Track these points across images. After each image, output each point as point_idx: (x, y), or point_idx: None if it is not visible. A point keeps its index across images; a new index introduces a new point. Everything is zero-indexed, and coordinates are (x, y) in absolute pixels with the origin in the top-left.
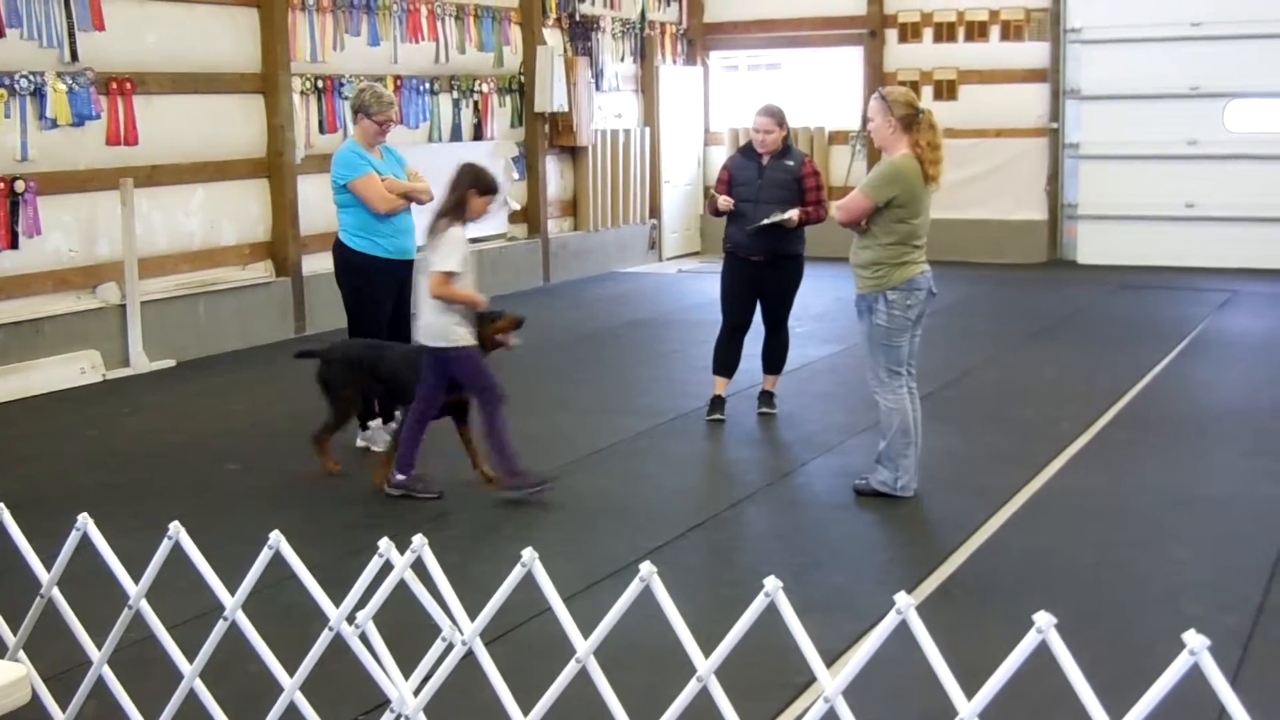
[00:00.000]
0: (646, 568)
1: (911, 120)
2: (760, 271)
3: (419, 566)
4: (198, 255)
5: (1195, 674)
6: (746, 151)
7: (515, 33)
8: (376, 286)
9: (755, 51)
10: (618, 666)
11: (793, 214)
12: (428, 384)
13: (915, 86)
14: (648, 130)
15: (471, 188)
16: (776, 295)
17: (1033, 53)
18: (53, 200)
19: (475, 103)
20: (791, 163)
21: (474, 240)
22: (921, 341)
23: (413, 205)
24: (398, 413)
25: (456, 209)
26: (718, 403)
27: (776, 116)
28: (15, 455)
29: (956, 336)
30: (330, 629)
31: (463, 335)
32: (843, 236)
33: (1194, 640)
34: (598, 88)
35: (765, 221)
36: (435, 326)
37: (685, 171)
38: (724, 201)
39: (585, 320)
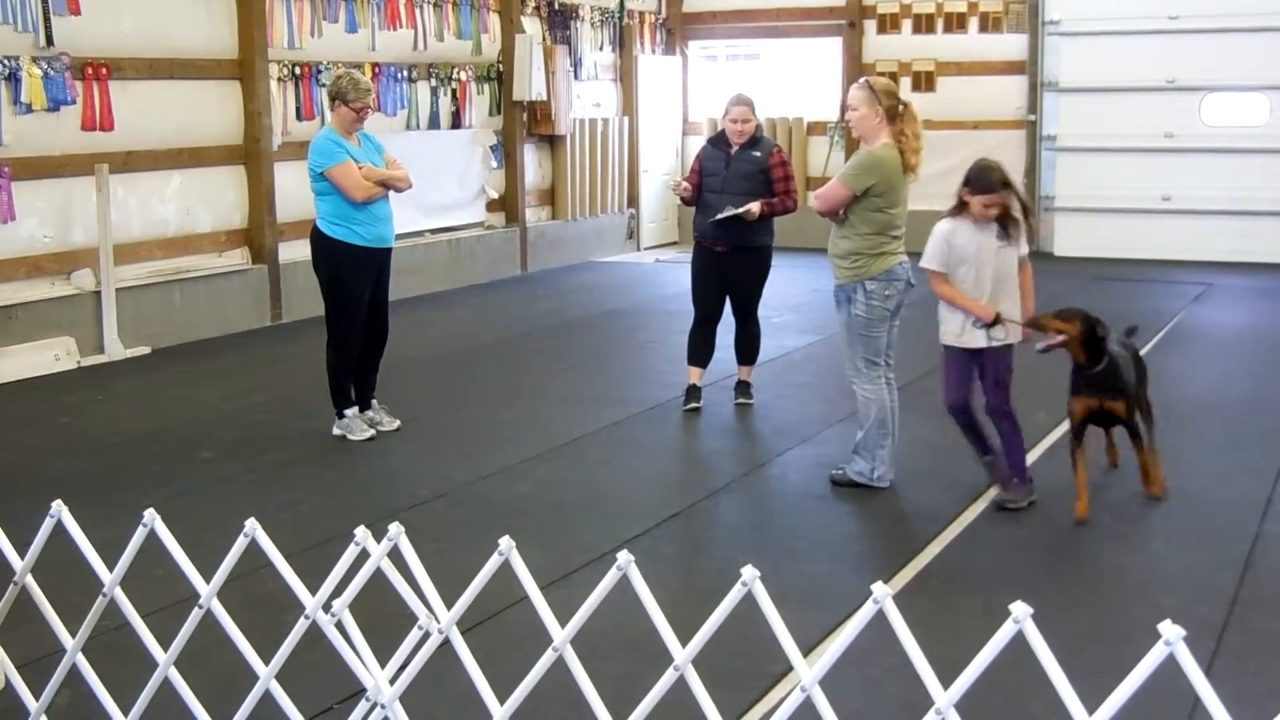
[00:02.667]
0: (624, 556)
1: (895, 111)
2: (725, 262)
3: (395, 555)
4: (173, 242)
5: (1170, 664)
6: (716, 141)
7: (494, 21)
8: (354, 274)
9: (734, 41)
10: (595, 655)
11: (752, 207)
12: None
13: (894, 77)
14: (626, 119)
15: (966, 184)
16: (742, 286)
17: (1011, 45)
18: (27, 186)
19: (453, 90)
20: (759, 153)
21: (451, 229)
22: (899, 332)
23: (390, 193)
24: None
25: (958, 205)
26: (693, 392)
27: (752, 105)
28: None
29: (934, 328)
30: (306, 617)
31: (968, 337)
32: (820, 227)
33: (1169, 631)
34: (576, 76)
35: (722, 215)
36: (941, 323)
37: (664, 161)
38: (681, 186)
39: (562, 309)
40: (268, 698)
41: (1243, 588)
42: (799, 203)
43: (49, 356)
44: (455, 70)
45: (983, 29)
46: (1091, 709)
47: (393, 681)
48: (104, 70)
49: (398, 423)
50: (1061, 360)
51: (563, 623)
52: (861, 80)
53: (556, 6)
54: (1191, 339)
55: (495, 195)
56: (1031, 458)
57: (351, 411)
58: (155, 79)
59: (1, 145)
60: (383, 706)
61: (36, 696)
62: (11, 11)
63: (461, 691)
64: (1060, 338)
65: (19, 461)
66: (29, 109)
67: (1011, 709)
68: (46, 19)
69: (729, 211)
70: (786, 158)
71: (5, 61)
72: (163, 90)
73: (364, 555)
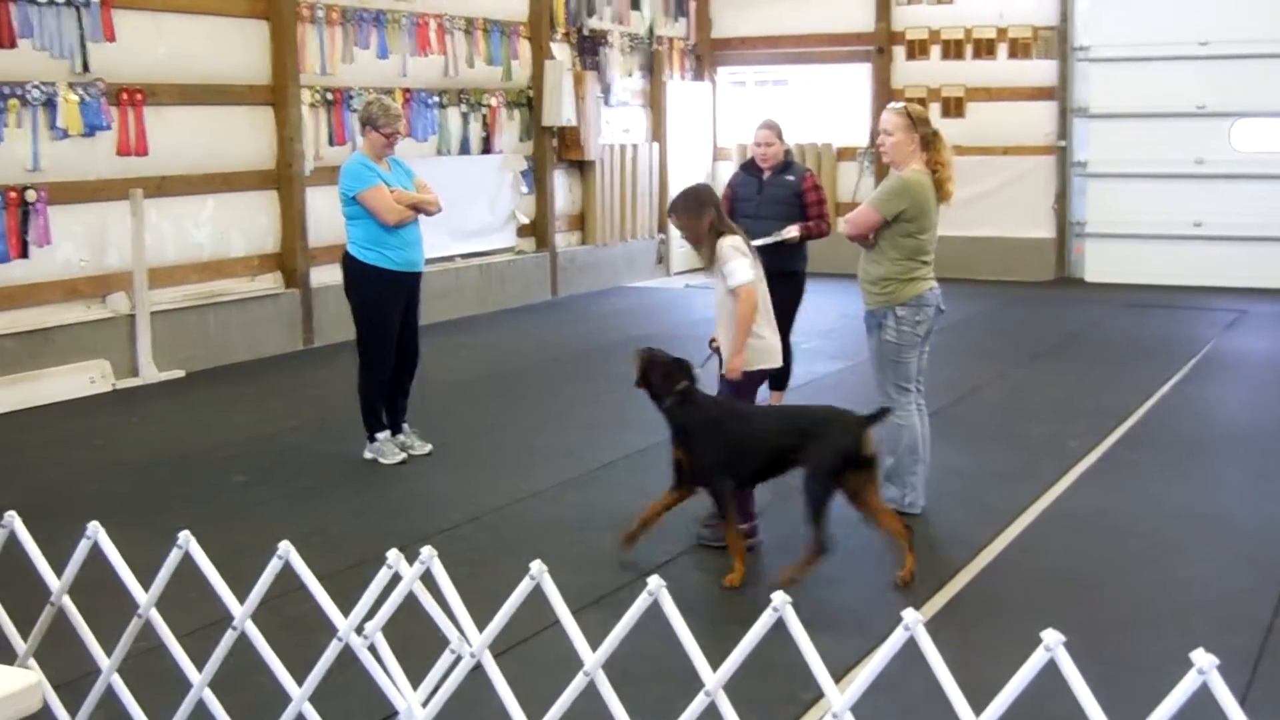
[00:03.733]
0: (655, 581)
1: (928, 138)
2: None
3: (428, 578)
4: (207, 266)
5: (1204, 694)
6: (748, 167)
7: (524, 47)
8: (385, 298)
9: (763, 67)
10: (626, 680)
11: (793, 231)
12: None
13: (923, 103)
14: (655, 145)
15: None
16: (776, 311)
17: (1040, 71)
18: (63, 210)
19: (484, 116)
20: (792, 177)
21: (482, 254)
22: (930, 358)
23: (421, 217)
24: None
25: None
26: None
27: (776, 129)
28: (24, 464)
29: (964, 354)
30: (339, 640)
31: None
32: (850, 252)
33: (1203, 659)
34: (606, 102)
35: (765, 241)
36: None
37: None
38: None
39: (593, 335)
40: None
41: (1278, 616)
42: (831, 227)
43: (84, 379)
44: (485, 96)
45: (1012, 55)
46: None
47: (425, 704)
48: (139, 96)
49: (429, 446)
50: (1073, 386)
51: (594, 647)
52: (899, 105)
53: (586, 33)
54: (1224, 366)
55: (525, 220)
56: (1063, 485)
57: (383, 435)
58: (189, 104)
59: (38, 170)
60: None
61: (73, 716)
62: (49, 38)
63: (493, 715)
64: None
65: (55, 483)
66: (65, 134)
67: None
68: (83, 45)
69: (774, 237)
70: (819, 182)
71: (42, 87)
72: (197, 116)
73: (396, 578)
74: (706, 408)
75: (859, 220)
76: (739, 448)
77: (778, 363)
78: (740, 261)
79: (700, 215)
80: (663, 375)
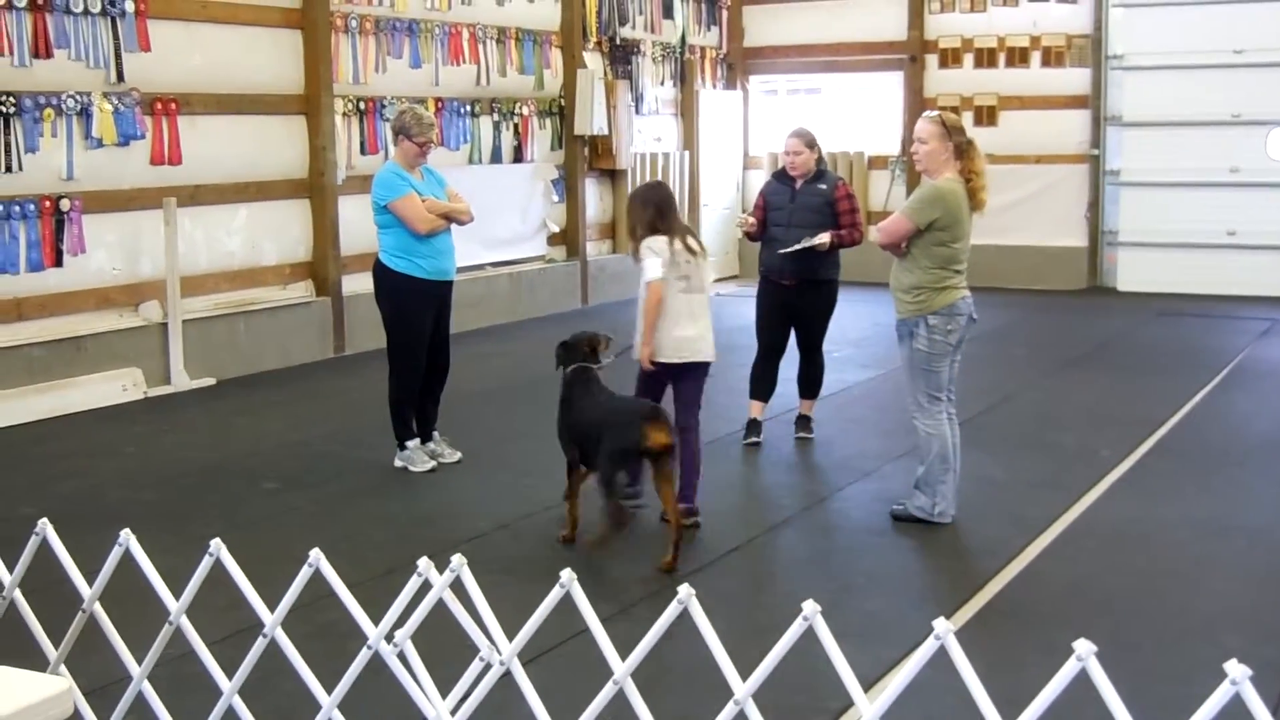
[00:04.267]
0: (685, 590)
1: (962, 147)
2: (793, 296)
3: (458, 586)
4: (239, 275)
5: (1236, 705)
6: (781, 176)
7: (556, 56)
8: (416, 307)
9: (795, 76)
10: (655, 688)
11: (823, 238)
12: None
13: (955, 112)
14: (687, 154)
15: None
16: (809, 320)
17: (1074, 79)
18: (97, 219)
19: (516, 125)
20: (824, 186)
21: (512, 262)
22: (961, 367)
23: (452, 226)
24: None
25: None
26: (754, 426)
27: (805, 138)
28: (56, 472)
29: (996, 363)
30: (369, 647)
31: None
32: (882, 261)
33: (1235, 670)
34: (637, 111)
35: (795, 247)
36: None
37: (724, 195)
38: (748, 223)
39: (623, 343)
40: None
41: None
42: (863, 235)
43: (117, 387)
44: (517, 105)
45: (1045, 63)
46: None
47: (454, 712)
48: (173, 105)
49: (459, 455)
50: (1105, 395)
51: (623, 655)
52: (933, 114)
53: (618, 42)
54: (1257, 376)
55: (556, 229)
56: (1094, 495)
57: (413, 443)
58: (223, 114)
59: (73, 179)
60: None
61: None
62: (84, 48)
63: None
64: None
65: (87, 491)
66: (100, 143)
67: None
68: (118, 55)
69: (804, 243)
70: (852, 191)
71: (77, 97)
72: (230, 125)
73: (426, 586)
74: (572, 385)
75: (891, 228)
76: (576, 428)
77: (689, 358)
78: (652, 260)
79: (641, 211)
80: (563, 351)
